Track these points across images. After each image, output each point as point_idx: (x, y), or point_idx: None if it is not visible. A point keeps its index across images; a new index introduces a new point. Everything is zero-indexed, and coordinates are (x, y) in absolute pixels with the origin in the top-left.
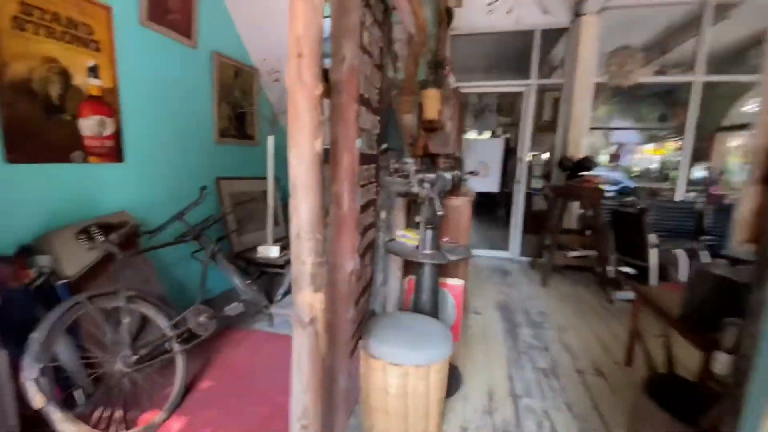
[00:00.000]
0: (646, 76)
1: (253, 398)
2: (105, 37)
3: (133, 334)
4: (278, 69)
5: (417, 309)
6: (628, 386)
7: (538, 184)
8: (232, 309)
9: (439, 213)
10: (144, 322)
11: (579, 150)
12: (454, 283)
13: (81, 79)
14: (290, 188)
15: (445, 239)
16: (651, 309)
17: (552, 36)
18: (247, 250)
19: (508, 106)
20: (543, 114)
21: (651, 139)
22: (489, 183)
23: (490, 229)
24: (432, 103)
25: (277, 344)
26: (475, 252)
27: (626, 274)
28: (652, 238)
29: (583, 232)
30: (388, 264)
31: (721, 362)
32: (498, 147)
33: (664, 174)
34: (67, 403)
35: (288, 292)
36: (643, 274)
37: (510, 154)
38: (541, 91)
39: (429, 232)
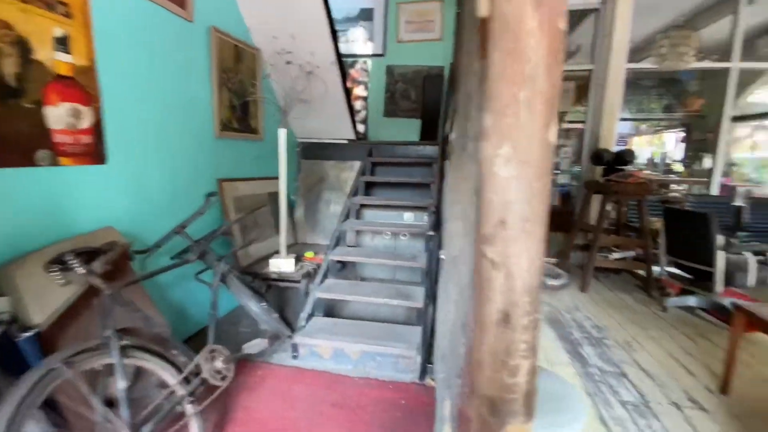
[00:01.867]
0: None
1: None
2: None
3: (130, 401)
4: (291, 50)
5: None
6: (734, 424)
7: (563, 178)
8: (254, 346)
9: None
10: (138, 376)
11: (611, 142)
12: None
13: (45, 54)
14: (482, 220)
15: None
16: None
17: (573, 19)
18: (254, 263)
19: None
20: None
21: (654, 130)
22: None
23: None
24: None
25: (307, 385)
26: None
27: (680, 277)
28: (720, 240)
29: (617, 230)
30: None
31: None
32: None
33: (668, 165)
34: None
35: (312, 314)
36: (700, 278)
37: None
38: None
39: None
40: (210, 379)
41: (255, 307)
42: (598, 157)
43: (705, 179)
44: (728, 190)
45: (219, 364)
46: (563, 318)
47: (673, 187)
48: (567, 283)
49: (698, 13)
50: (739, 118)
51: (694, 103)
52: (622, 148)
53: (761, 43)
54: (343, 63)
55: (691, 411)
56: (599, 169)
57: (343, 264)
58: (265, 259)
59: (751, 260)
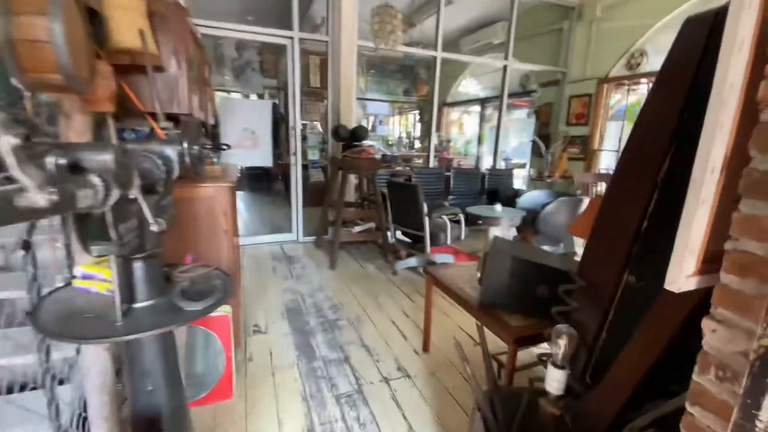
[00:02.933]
0: (402, 46)
1: None
2: None
3: None
4: None
5: (138, 420)
6: (429, 381)
7: (314, 155)
8: None
9: (155, 228)
10: None
11: (351, 118)
12: (216, 314)
13: None
14: None
15: (188, 261)
16: (447, 294)
17: None
18: None
19: (271, 66)
20: (310, 79)
21: (399, 111)
22: (260, 156)
23: (268, 209)
24: (127, 17)
25: None
26: (254, 240)
27: (404, 242)
28: (425, 207)
29: (362, 204)
30: None
31: (557, 380)
32: (266, 111)
33: (411, 142)
34: None
35: None
36: (417, 241)
37: (281, 121)
38: (307, 53)
39: (140, 267)
40: None
41: None
42: (337, 133)
43: (433, 154)
44: (445, 163)
45: None
46: (304, 305)
47: (415, 161)
48: (220, 299)
49: (416, 9)
50: (451, 104)
51: (423, 89)
52: (358, 124)
53: (463, 41)
54: None
55: (398, 382)
56: (341, 145)
57: None
58: None
59: (448, 222)
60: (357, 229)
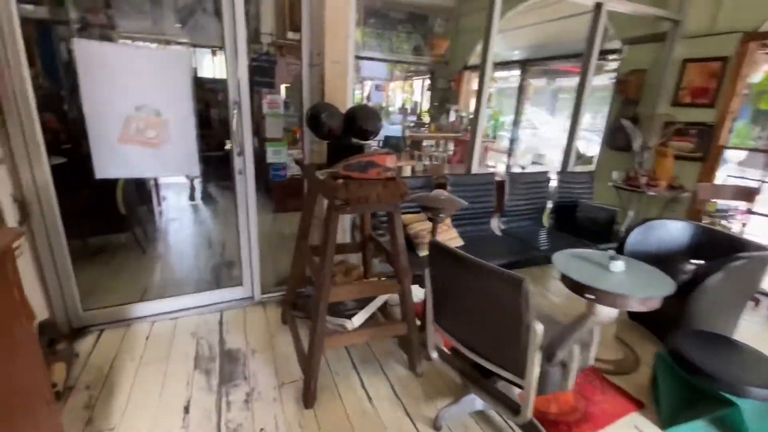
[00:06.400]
0: None
1: None
2: None
3: None
4: None
5: None
6: None
7: (277, 154)
8: None
9: None
10: None
11: (345, 86)
12: None
13: None
14: None
15: None
16: None
17: None
18: None
19: None
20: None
21: (405, 77)
22: (174, 160)
23: (219, 219)
24: None
25: None
26: (175, 303)
27: (457, 359)
28: (539, 334)
29: (362, 246)
30: None
31: None
32: (182, 69)
33: (419, 115)
34: None
35: None
36: (487, 373)
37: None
38: None
39: None
40: None
41: None
42: (316, 121)
43: (455, 134)
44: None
45: None
46: None
47: (430, 147)
48: None
49: None
50: (473, 68)
51: (440, 46)
52: (367, 102)
53: None
54: None
55: None
56: (326, 145)
57: None
58: None
59: (576, 353)
60: (357, 321)
